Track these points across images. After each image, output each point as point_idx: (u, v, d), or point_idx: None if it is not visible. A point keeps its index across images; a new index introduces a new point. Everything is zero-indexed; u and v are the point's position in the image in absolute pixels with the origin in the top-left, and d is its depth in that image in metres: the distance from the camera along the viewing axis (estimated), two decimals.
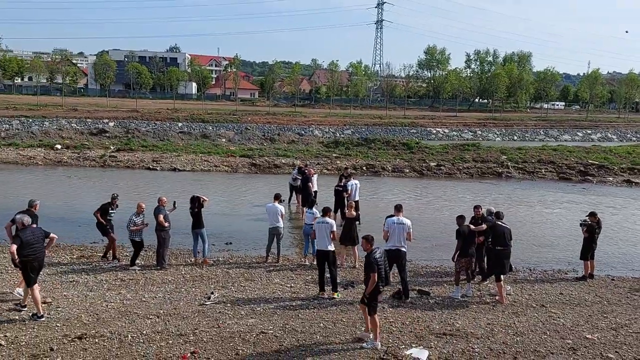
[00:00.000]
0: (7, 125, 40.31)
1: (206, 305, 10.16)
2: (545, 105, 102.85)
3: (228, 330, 8.91)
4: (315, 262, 11.83)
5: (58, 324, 9.06)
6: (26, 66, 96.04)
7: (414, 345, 8.50)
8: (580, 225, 12.78)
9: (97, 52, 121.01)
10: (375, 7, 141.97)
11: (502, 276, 10.85)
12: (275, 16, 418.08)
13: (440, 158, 33.03)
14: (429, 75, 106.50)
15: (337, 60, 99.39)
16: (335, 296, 10.70)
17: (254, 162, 30.85)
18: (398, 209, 11.23)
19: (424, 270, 13.09)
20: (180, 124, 44.20)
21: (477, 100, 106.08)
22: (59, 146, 34.17)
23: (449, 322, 9.64)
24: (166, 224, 12.48)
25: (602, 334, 9.30)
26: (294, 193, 20.18)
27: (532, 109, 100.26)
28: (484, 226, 11.47)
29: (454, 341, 8.78)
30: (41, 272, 9.80)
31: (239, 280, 11.75)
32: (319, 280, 10.93)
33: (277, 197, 13.47)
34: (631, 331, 9.49)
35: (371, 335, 8.53)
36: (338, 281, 11.07)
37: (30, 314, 9.30)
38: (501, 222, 11.18)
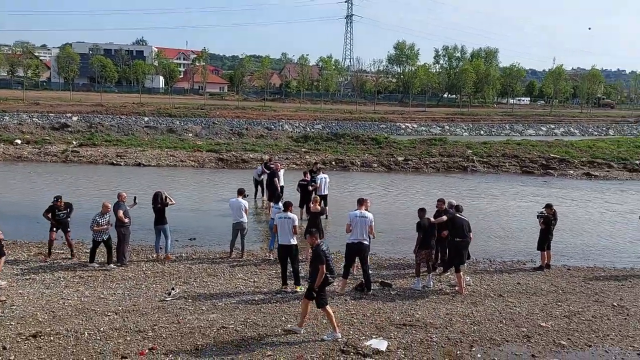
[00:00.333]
0: None
1: (166, 301, 10.05)
2: (512, 101, 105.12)
3: (188, 326, 8.84)
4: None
5: (12, 323, 8.82)
6: None
7: (374, 336, 8.60)
8: (537, 217, 13.13)
9: (61, 45, 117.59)
10: (345, 2, 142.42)
11: (461, 267, 11.09)
12: (245, 9, 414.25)
13: (408, 153, 33.42)
14: (399, 71, 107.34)
15: (308, 55, 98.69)
16: (298, 290, 10.72)
17: (221, 157, 30.59)
18: (360, 202, 11.30)
19: (387, 262, 13.25)
20: (146, 119, 43.51)
21: (445, 95, 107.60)
22: (18, 141, 33.15)
23: (409, 312, 9.80)
24: (126, 220, 12.25)
25: (556, 322, 9.60)
26: (259, 188, 20.07)
27: (499, 104, 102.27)
28: (445, 218, 11.68)
29: (413, 331, 8.93)
30: None
31: (202, 276, 11.65)
32: (282, 275, 10.96)
33: (241, 192, 13.39)
34: (583, 318, 9.82)
35: (330, 329, 8.60)
36: (301, 275, 11.11)
37: None
38: (460, 214, 11.43)
